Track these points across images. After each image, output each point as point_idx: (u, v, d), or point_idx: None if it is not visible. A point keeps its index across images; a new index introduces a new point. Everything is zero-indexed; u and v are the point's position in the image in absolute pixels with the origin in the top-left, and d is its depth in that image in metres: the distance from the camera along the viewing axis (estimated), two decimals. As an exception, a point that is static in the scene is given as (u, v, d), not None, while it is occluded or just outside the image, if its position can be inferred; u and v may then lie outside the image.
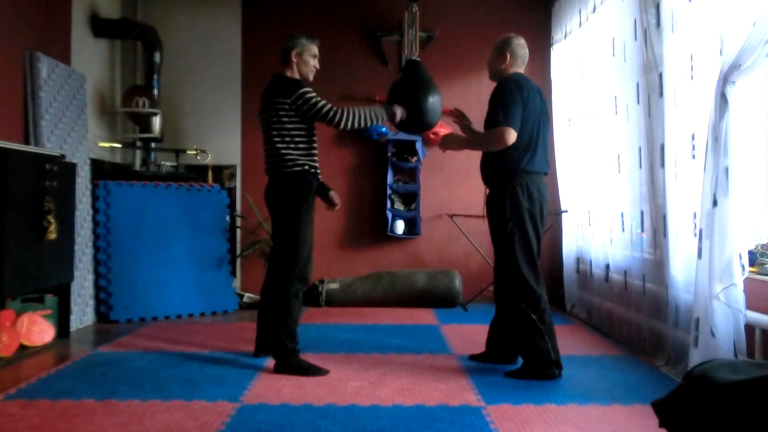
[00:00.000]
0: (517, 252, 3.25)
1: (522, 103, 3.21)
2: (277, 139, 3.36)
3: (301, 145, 3.38)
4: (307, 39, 3.45)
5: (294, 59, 3.42)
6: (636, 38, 3.93)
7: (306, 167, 3.38)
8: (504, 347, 3.55)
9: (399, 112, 3.54)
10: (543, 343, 3.25)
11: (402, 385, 3.15)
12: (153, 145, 5.38)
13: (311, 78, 3.51)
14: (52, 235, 3.84)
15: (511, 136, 3.17)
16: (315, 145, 3.48)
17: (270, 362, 3.49)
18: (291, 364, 3.33)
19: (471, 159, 5.68)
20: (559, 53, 5.61)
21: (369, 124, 3.47)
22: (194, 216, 5.19)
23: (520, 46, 3.39)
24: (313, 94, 3.36)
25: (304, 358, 3.43)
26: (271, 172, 3.44)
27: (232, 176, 5.86)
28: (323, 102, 3.36)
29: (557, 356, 3.29)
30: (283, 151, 3.35)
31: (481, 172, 3.47)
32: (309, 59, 3.45)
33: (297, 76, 3.45)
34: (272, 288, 3.42)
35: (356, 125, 3.43)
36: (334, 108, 3.37)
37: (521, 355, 3.34)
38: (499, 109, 3.19)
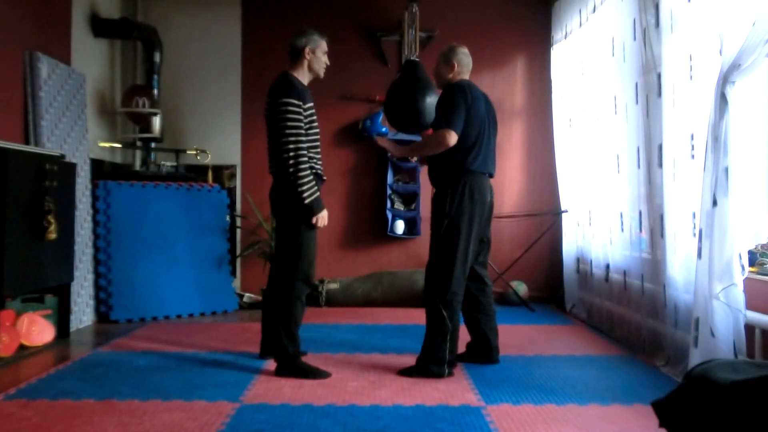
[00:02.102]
0: (457, 250, 3.30)
1: (465, 107, 3.31)
2: (280, 139, 3.28)
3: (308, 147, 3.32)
4: (319, 35, 3.40)
5: (307, 56, 3.36)
6: (635, 38, 3.93)
7: (313, 169, 3.32)
8: (483, 347, 3.58)
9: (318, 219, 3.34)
10: (443, 343, 3.30)
11: (402, 385, 3.15)
12: (153, 145, 5.37)
13: (322, 74, 3.46)
14: (52, 235, 3.84)
15: (452, 138, 3.25)
16: (318, 145, 3.42)
17: (271, 362, 3.49)
18: (292, 367, 3.31)
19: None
20: (559, 53, 5.61)
21: (300, 189, 3.23)
22: (194, 216, 5.19)
23: (465, 54, 3.51)
24: (292, 110, 3.21)
25: (305, 359, 3.42)
26: (276, 172, 3.36)
27: (232, 176, 5.86)
28: (292, 131, 3.20)
29: (453, 357, 3.34)
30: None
31: (429, 174, 3.55)
32: (321, 56, 3.40)
33: (306, 73, 3.40)
34: (275, 290, 3.39)
35: (294, 177, 3.22)
36: (293, 150, 3.20)
37: (422, 347, 3.37)
38: (442, 113, 3.31)
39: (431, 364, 3.30)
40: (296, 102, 3.24)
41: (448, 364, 3.31)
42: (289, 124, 3.22)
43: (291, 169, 3.22)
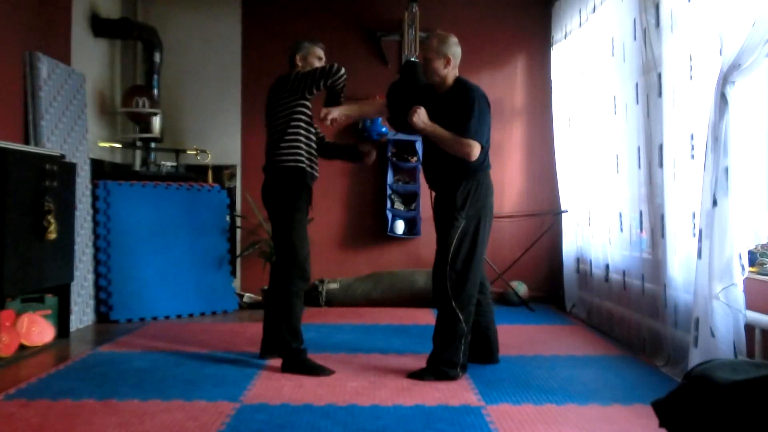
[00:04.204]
0: (475, 250, 3.26)
1: (489, 116, 3.28)
2: (273, 135, 3.41)
3: (298, 143, 3.38)
4: (310, 42, 3.51)
5: (299, 63, 3.48)
6: (635, 38, 3.93)
7: (300, 165, 3.38)
8: (483, 347, 3.57)
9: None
10: (459, 345, 3.26)
11: (402, 385, 3.15)
12: (153, 145, 5.38)
13: None
14: (52, 235, 3.84)
15: (478, 152, 3.19)
16: (313, 144, 3.48)
17: (272, 362, 3.51)
18: (298, 363, 3.34)
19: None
20: (559, 53, 5.61)
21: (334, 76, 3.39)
22: (194, 216, 5.19)
23: (457, 45, 3.32)
24: (304, 72, 3.39)
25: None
26: (267, 167, 3.46)
27: (232, 176, 5.86)
28: (313, 70, 3.38)
29: (465, 360, 3.30)
30: (279, 147, 3.37)
31: (431, 174, 3.44)
32: (314, 61, 3.49)
33: None
34: (273, 289, 3.43)
35: (336, 76, 3.36)
36: (322, 67, 3.39)
37: (433, 350, 3.32)
38: (474, 123, 3.18)
39: (446, 367, 3.26)
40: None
41: (461, 367, 3.28)
42: (308, 72, 3.37)
43: (324, 77, 3.34)
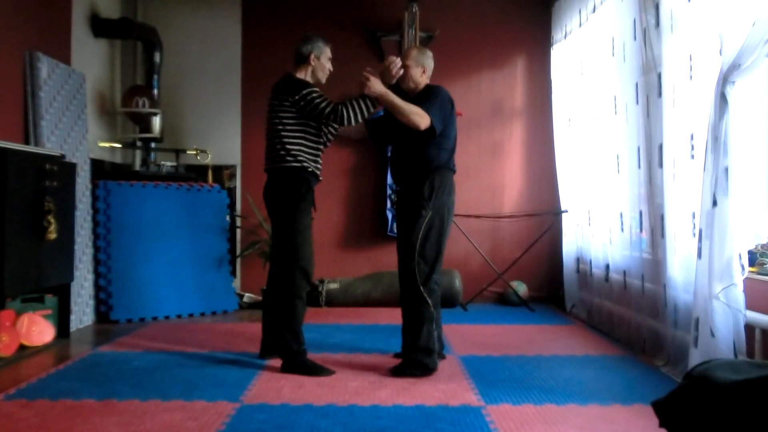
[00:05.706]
0: (442, 238, 3.39)
1: (447, 116, 3.43)
2: (278, 136, 3.36)
3: (303, 145, 3.36)
4: (324, 42, 3.48)
5: (312, 62, 3.44)
6: (635, 38, 3.93)
7: (304, 164, 3.36)
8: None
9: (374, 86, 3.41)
10: (431, 330, 3.34)
11: (402, 385, 3.15)
12: (153, 145, 5.38)
13: (324, 80, 3.52)
14: (52, 235, 3.84)
15: (426, 124, 3.29)
16: (319, 146, 3.46)
17: (272, 362, 3.51)
18: (298, 363, 3.34)
19: (471, 159, 5.68)
20: (559, 53, 5.61)
21: (366, 111, 3.38)
22: (194, 216, 5.19)
23: (432, 58, 3.60)
24: (317, 94, 3.34)
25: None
26: (270, 168, 3.43)
27: (232, 176, 5.86)
28: (325, 102, 3.32)
29: (441, 346, 3.40)
30: (284, 148, 3.35)
31: (398, 170, 3.58)
32: (325, 62, 3.48)
33: (309, 78, 3.46)
34: (275, 289, 3.42)
35: (357, 117, 3.34)
36: (333, 106, 3.31)
37: (406, 341, 3.38)
38: (433, 108, 3.34)
39: (423, 356, 3.31)
40: (316, 89, 3.36)
41: (437, 354, 3.36)
42: (319, 102, 3.30)
43: (345, 118, 3.29)
